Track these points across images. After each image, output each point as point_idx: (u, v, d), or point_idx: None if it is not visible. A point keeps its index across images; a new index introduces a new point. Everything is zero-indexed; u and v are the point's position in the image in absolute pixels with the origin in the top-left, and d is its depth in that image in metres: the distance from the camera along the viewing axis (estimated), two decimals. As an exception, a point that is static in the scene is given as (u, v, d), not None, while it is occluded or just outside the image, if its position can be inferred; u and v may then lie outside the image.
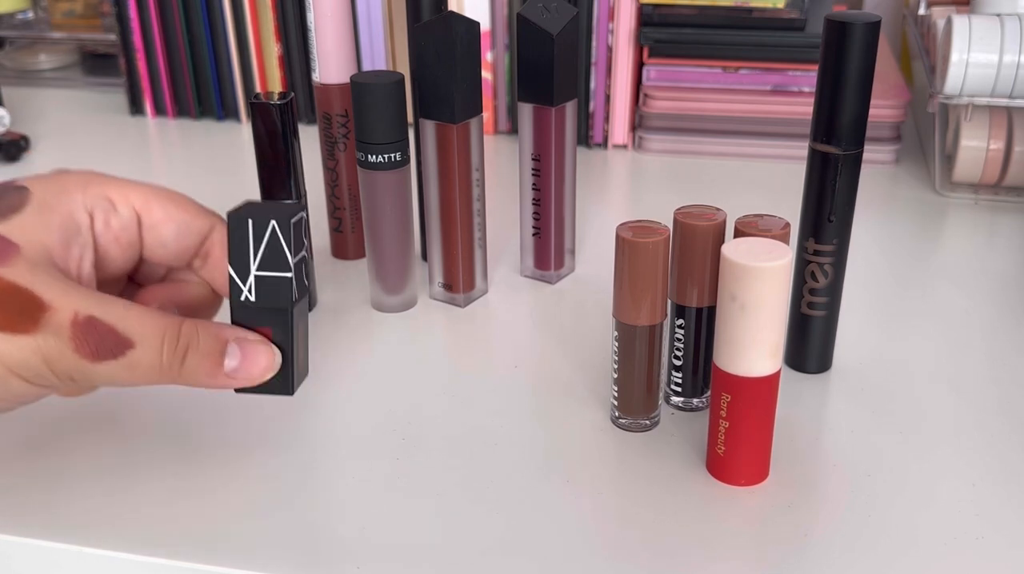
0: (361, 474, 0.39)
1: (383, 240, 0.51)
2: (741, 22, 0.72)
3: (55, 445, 0.42)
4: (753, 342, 0.36)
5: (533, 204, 0.54)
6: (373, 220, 0.50)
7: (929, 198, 0.67)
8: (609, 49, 0.75)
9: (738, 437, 0.38)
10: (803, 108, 0.72)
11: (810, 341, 0.45)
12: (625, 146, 0.77)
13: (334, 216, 0.58)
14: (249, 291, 0.35)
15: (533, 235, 0.55)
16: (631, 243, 0.38)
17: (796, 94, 0.72)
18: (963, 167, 0.64)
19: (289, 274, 0.35)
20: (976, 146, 0.64)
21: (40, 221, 0.32)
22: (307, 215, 0.51)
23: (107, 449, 0.41)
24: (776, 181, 0.70)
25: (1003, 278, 0.55)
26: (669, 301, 0.41)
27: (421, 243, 0.58)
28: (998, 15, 0.62)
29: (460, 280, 0.52)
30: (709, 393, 0.42)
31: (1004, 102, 0.62)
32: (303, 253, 0.35)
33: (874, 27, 0.39)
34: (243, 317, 0.35)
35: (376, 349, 0.49)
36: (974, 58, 0.61)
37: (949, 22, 0.62)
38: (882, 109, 0.70)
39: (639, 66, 0.76)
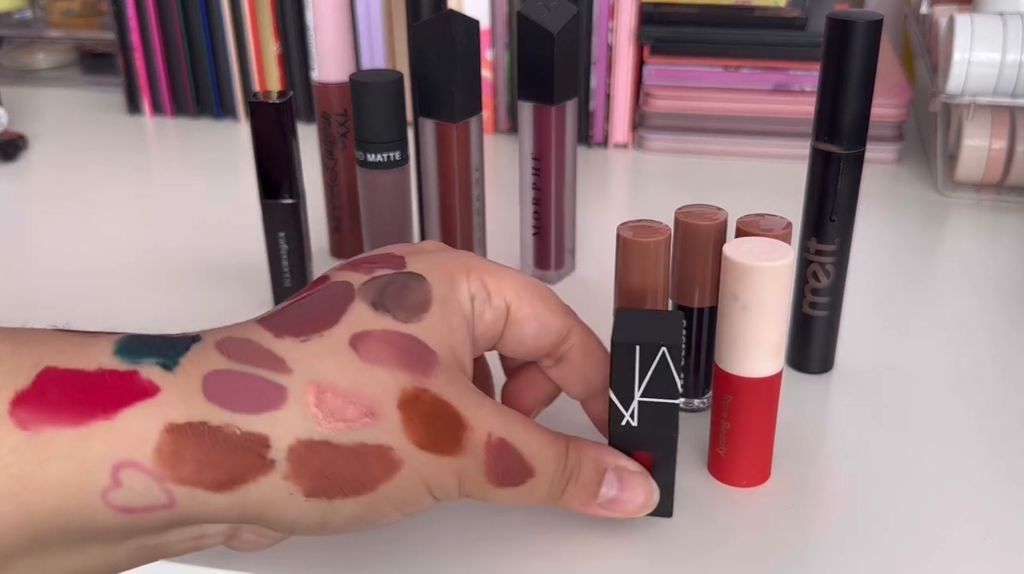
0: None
1: (382, 240, 0.50)
2: (742, 20, 0.72)
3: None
4: (755, 342, 0.35)
5: (533, 204, 0.54)
6: (372, 220, 0.50)
7: (931, 198, 0.66)
8: (609, 48, 0.74)
9: (739, 438, 0.37)
10: (805, 107, 0.72)
11: (812, 341, 0.45)
12: (626, 145, 0.77)
13: (333, 215, 0.57)
14: (631, 416, 0.34)
15: (533, 235, 0.55)
16: (632, 243, 0.38)
17: (798, 93, 0.72)
18: (965, 166, 0.64)
19: (677, 401, 0.34)
20: (978, 145, 0.63)
21: (445, 323, 0.30)
22: (306, 215, 0.51)
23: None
24: (778, 180, 0.70)
25: (1005, 278, 0.55)
26: (670, 301, 0.41)
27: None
28: (1000, 14, 0.62)
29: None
30: (710, 394, 0.41)
31: (1007, 101, 0.62)
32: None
33: (876, 26, 0.39)
34: (623, 442, 0.35)
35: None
36: (976, 57, 0.60)
37: (951, 21, 0.62)
38: (884, 108, 0.70)
39: (640, 65, 0.75)
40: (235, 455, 0.25)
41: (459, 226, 0.50)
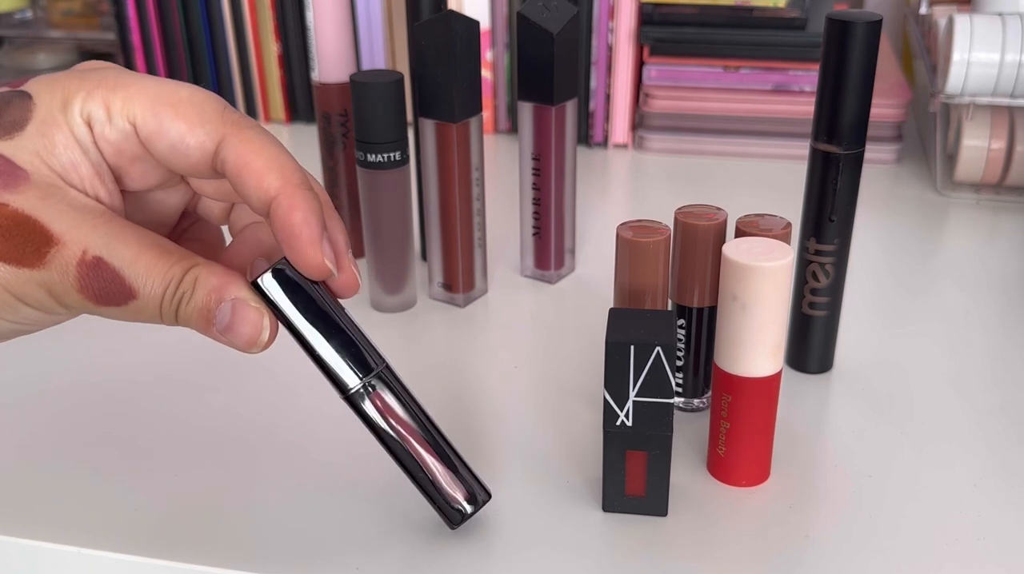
0: (361, 474, 0.39)
1: (383, 240, 0.50)
2: (742, 21, 0.72)
3: (54, 446, 0.41)
4: (754, 342, 0.35)
5: (533, 204, 0.54)
6: (372, 220, 0.50)
7: (930, 198, 0.66)
8: (609, 48, 0.74)
9: (739, 438, 0.37)
10: (804, 107, 0.72)
11: (811, 341, 0.45)
12: (625, 145, 0.77)
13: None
14: (626, 416, 0.35)
15: (533, 235, 0.55)
16: (632, 243, 0.38)
17: (797, 93, 0.72)
18: (964, 167, 0.64)
19: (672, 400, 0.34)
20: (977, 146, 0.64)
21: (44, 142, 0.29)
22: None
23: (106, 450, 0.41)
24: (777, 180, 0.70)
25: (1004, 278, 0.55)
26: (670, 301, 0.41)
27: (421, 243, 0.57)
28: (999, 14, 0.62)
29: (460, 280, 0.52)
30: (710, 394, 0.41)
31: (1006, 101, 0.62)
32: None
33: (875, 26, 0.39)
34: (618, 441, 0.35)
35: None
36: (976, 57, 0.60)
37: (950, 21, 0.62)
38: (883, 108, 0.70)
39: (639, 65, 0.75)
40: None
41: (459, 226, 0.50)
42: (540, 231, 0.54)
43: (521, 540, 0.36)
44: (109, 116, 0.30)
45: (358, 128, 0.48)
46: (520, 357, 0.48)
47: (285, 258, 0.30)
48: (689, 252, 0.39)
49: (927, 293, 0.54)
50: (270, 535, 0.36)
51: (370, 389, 0.33)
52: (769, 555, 0.35)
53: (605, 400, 0.35)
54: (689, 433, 0.41)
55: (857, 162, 0.41)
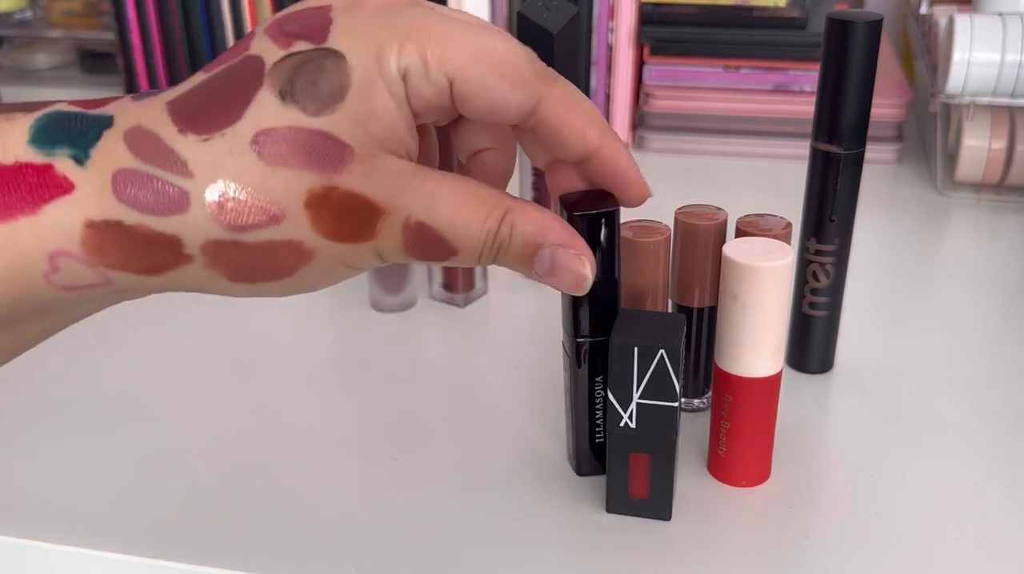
0: (361, 474, 0.39)
1: None
2: (742, 21, 0.72)
3: (53, 446, 0.41)
4: (754, 342, 0.35)
5: (533, 203, 0.54)
6: None
7: (931, 198, 0.66)
8: (610, 48, 0.74)
9: (739, 438, 0.37)
10: (804, 107, 0.72)
11: (812, 341, 0.45)
12: (626, 145, 0.77)
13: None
14: (630, 418, 0.35)
15: (533, 235, 0.55)
16: (632, 243, 0.38)
17: (797, 93, 0.72)
18: (965, 167, 0.64)
19: (675, 403, 0.34)
20: (978, 146, 0.64)
21: (366, 109, 0.28)
22: None
23: (106, 450, 0.41)
24: (777, 180, 0.70)
25: (1005, 278, 0.55)
26: (670, 301, 0.41)
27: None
28: (1000, 14, 0.62)
29: (460, 280, 0.52)
30: (710, 394, 0.41)
31: (1006, 101, 0.62)
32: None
33: (876, 26, 0.39)
34: (622, 443, 0.35)
35: (376, 349, 0.49)
36: (976, 57, 0.60)
37: (951, 21, 0.62)
38: (884, 108, 0.70)
39: (640, 65, 0.75)
40: (154, 250, 0.27)
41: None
42: (540, 231, 0.54)
43: (523, 540, 0.36)
44: (426, 71, 0.29)
45: None
46: (520, 357, 0.48)
47: (613, 199, 0.33)
48: (689, 252, 0.39)
49: (927, 293, 0.54)
50: (270, 535, 0.36)
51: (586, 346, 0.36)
52: (769, 555, 0.35)
53: (609, 401, 0.35)
54: (689, 433, 0.41)
55: (857, 162, 0.41)
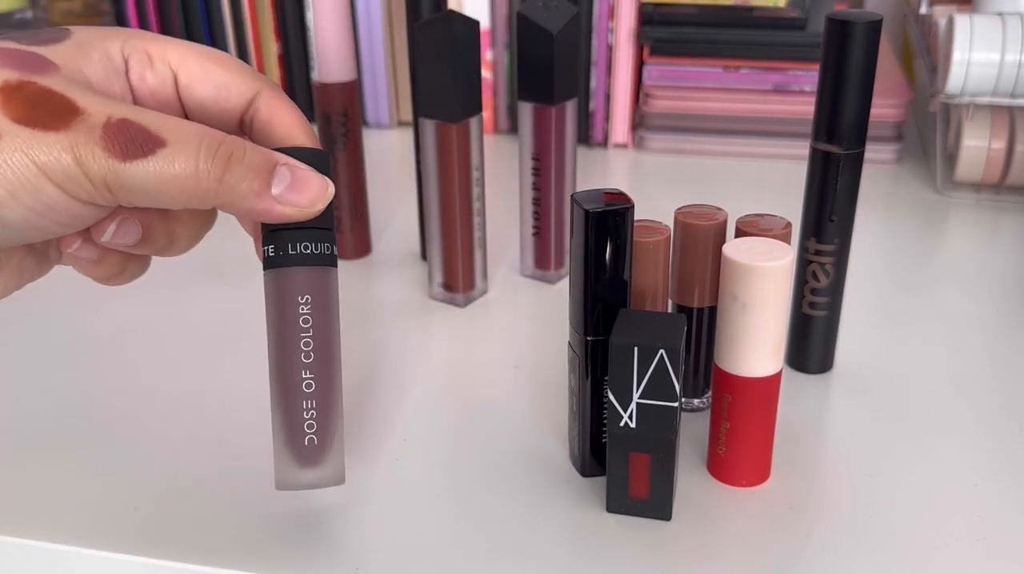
0: (361, 474, 0.39)
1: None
2: (742, 21, 0.72)
3: (54, 446, 0.41)
4: (754, 342, 0.35)
5: (533, 204, 0.54)
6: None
7: (931, 198, 0.66)
8: (609, 48, 0.74)
9: (739, 438, 0.37)
10: (804, 107, 0.72)
11: (811, 341, 0.45)
12: (626, 145, 0.77)
13: (333, 216, 0.57)
14: (630, 418, 0.34)
15: (533, 235, 0.55)
16: (632, 243, 0.38)
17: (797, 93, 0.72)
18: (965, 167, 0.64)
19: (675, 404, 0.34)
20: (978, 146, 0.64)
21: (80, 53, 0.31)
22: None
23: (106, 450, 0.41)
24: (777, 180, 0.70)
25: (1005, 278, 0.55)
26: (670, 301, 0.41)
27: (421, 243, 0.57)
28: (1000, 14, 0.62)
29: (460, 280, 0.52)
30: (710, 394, 0.41)
31: (1006, 101, 0.62)
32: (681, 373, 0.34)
33: (875, 26, 0.39)
34: (622, 443, 0.35)
35: (376, 349, 0.49)
36: (976, 57, 0.60)
37: (951, 21, 0.62)
38: (883, 108, 0.70)
39: (640, 65, 0.75)
40: None
41: (459, 226, 0.50)
42: (540, 231, 0.54)
43: (523, 541, 0.36)
44: (150, 60, 0.32)
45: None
46: (520, 357, 0.48)
47: (626, 198, 0.35)
48: (689, 252, 0.39)
49: (927, 293, 0.54)
50: (270, 535, 0.36)
51: None
52: (770, 555, 0.35)
53: (609, 401, 0.35)
54: (689, 433, 0.41)
55: (857, 162, 0.41)
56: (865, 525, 0.36)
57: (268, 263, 0.32)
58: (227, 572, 0.35)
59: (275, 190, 0.30)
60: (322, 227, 0.32)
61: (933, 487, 0.38)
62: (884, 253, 0.59)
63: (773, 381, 0.37)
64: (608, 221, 0.34)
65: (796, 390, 0.44)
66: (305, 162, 0.31)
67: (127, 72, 0.32)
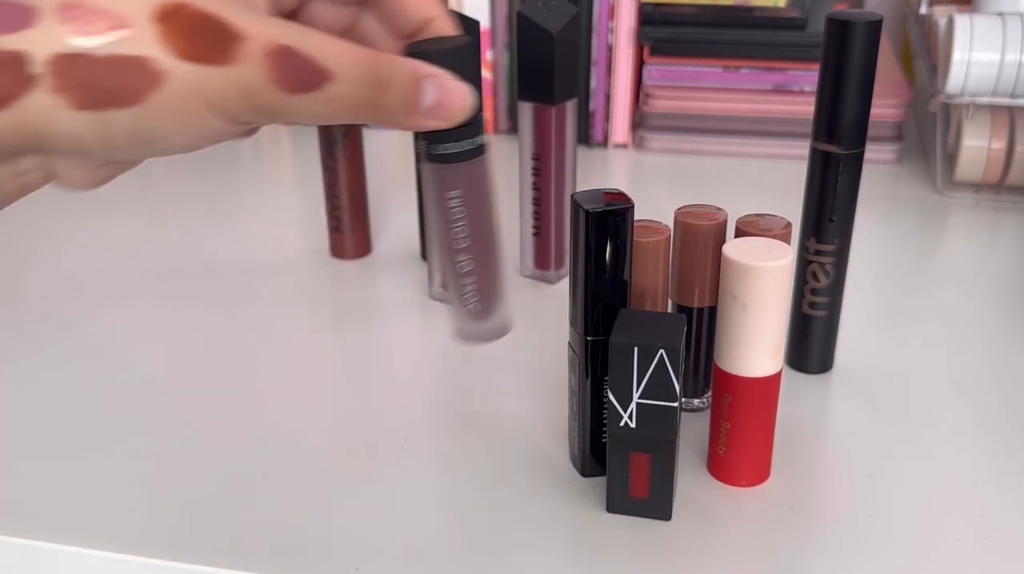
0: (361, 474, 0.39)
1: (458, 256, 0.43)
2: (742, 21, 0.72)
3: (54, 446, 0.41)
4: (754, 342, 0.35)
5: (533, 204, 0.54)
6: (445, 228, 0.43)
7: (931, 198, 0.66)
8: (609, 48, 0.74)
9: (739, 438, 0.37)
10: (804, 107, 0.72)
11: (811, 341, 0.45)
12: (626, 145, 0.77)
13: (333, 216, 0.57)
14: (630, 418, 0.35)
15: (533, 235, 0.55)
16: (632, 243, 0.38)
17: (797, 93, 0.72)
18: (965, 167, 0.64)
19: (675, 403, 0.34)
20: (978, 146, 0.64)
21: None
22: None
23: (106, 451, 0.41)
24: (777, 180, 0.70)
25: (1005, 278, 0.55)
26: (670, 301, 0.41)
27: (421, 243, 0.57)
28: (1000, 14, 0.62)
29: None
30: (710, 394, 0.41)
31: (1006, 101, 0.62)
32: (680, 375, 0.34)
33: (875, 26, 0.39)
34: (622, 443, 0.35)
35: (376, 349, 0.49)
36: (976, 57, 0.60)
37: (951, 21, 0.62)
38: (883, 108, 0.70)
39: (640, 65, 0.75)
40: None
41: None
42: (540, 231, 0.54)
43: (523, 541, 0.36)
44: None
45: None
46: (520, 357, 0.48)
47: (626, 198, 0.35)
48: (689, 252, 0.39)
49: (927, 293, 0.54)
50: (270, 535, 0.36)
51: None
52: (769, 555, 0.35)
53: (609, 401, 0.35)
54: (689, 433, 0.41)
55: (857, 162, 0.41)
56: (865, 525, 0.36)
57: (420, 158, 0.33)
58: (227, 572, 0.35)
59: (422, 107, 0.30)
60: (466, 124, 0.32)
61: (933, 487, 0.38)
62: (884, 253, 0.59)
63: (773, 381, 0.37)
64: (608, 221, 0.34)
65: (796, 390, 0.44)
66: (447, 55, 0.31)
67: None
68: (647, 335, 0.33)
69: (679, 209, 0.40)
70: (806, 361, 0.46)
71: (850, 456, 0.40)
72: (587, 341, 0.36)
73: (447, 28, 0.33)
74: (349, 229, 0.58)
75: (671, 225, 0.39)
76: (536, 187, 0.53)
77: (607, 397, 0.36)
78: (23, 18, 0.26)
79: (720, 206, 0.40)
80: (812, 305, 0.44)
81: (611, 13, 0.73)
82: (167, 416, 0.43)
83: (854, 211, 0.42)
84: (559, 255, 0.55)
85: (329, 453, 0.41)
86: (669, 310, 0.41)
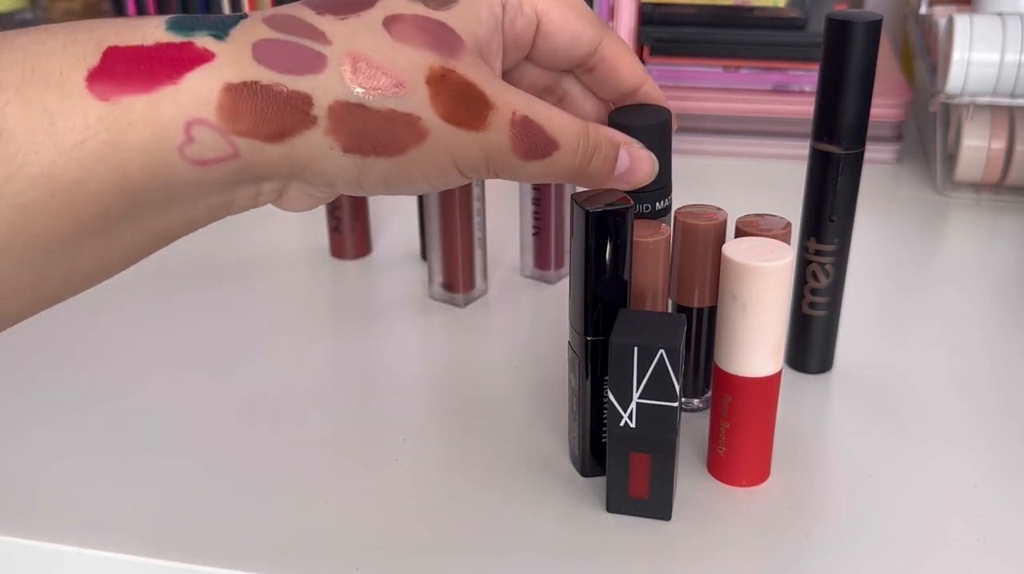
0: (361, 474, 0.39)
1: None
2: (742, 21, 0.72)
3: (54, 446, 0.41)
4: (754, 342, 0.35)
5: (533, 204, 0.54)
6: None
7: (930, 198, 0.66)
8: (609, 48, 0.74)
9: (739, 438, 0.37)
10: (804, 107, 0.72)
11: (811, 341, 0.45)
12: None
13: (333, 216, 0.57)
14: (630, 418, 0.35)
15: (533, 235, 0.55)
16: (632, 243, 0.38)
17: (797, 93, 0.72)
18: (964, 167, 0.64)
19: (675, 403, 0.34)
20: (978, 146, 0.64)
21: (472, 14, 0.32)
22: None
23: (107, 450, 0.41)
24: (777, 180, 0.70)
25: (1004, 278, 0.55)
26: (670, 301, 0.41)
27: (421, 243, 0.57)
28: (999, 14, 0.62)
29: (460, 280, 0.52)
30: (710, 394, 0.41)
31: (1006, 101, 0.62)
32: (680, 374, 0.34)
33: (875, 26, 0.39)
34: (622, 443, 0.35)
35: (376, 350, 0.49)
36: (976, 57, 0.60)
37: (950, 21, 0.62)
38: (883, 108, 0.70)
39: (639, 65, 0.75)
40: (284, 111, 0.28)
41: (459, 226, 0.50)
42: (540, 231, 0.54)
43: (523, 541, 0.36)
44: (521, 6, 0.34)
45: None
46: (520, 357, 0.48)
47: (625, 198, 0.35)
48: (689, 252, 0.39)
49: (927, 293, 0.54)
50: (270, 535, 0.36)
51: None
52: (769, 555, 0.35)
53: (609, 401, 0.35)
54: (689, 433, 0.41)
55: (857, 162, 0.41)
56: (865, 525, 0.36)
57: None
58: (227, 572, 0.35)
59: (617, 171, 0.34)
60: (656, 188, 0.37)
61: (933, 487, 0.38)
62: (884, 253, 0.59)
63: (773, 381, 0.37)
64: (608, 221, 0.34)
65: (796, 390, 0.44)
66: (646, 131, 0.36)
67: (503, 20, 0.34)
68: (647, 335, 0.33)
69: (679, 209, 0.40)
70: (806, 361, 0.46)
71: (850, 456, 0.40)
72: (587, 341, 0.36)
73: (654, 95, 0.38)
74: (349, 229, 0.58)
75: (671, 225, 0.39)
76: (536, 187, 0.53)
77: (607, 397, 0.36)
78: (315, 63, 0.29)
79: (720, 206, 0.40)
80: (812, 305, 0.44)
81: (611, 13, 0.73)
82: (167, 416, 0.43)
83: (854, 211, 0.42)
84: (559, 255, 0.55)
85: (329, 453, 0.41)
86: (669, 310, 0.41)
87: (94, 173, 0.26)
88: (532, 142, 0.31)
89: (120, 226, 0.28)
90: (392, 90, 0.29)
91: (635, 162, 0.35)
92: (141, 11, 0.82)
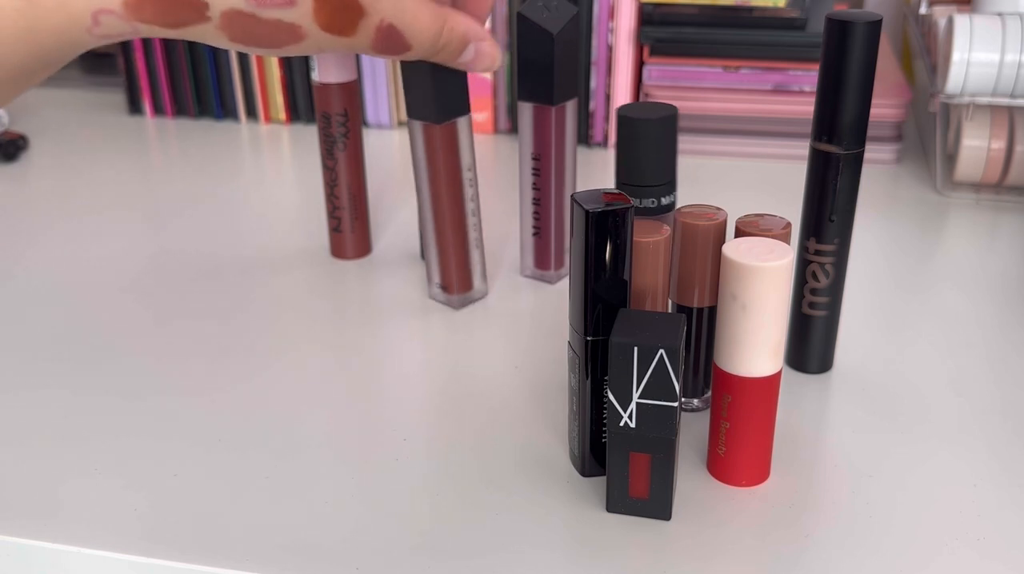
0: (361, 474, 0.39)
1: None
2: (742, 21, 0.72)
3: (54, 446, 0.41)
4: (754, 342, 0.35)
5: (533, 204, 0.54)
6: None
7: (930, 198, 0.66)
8: (609, 48, 0.74)
9: (739, 438, 0.37)
10: (804, 107, 0.72)
11: (811, 341, 0.45)
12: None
13: (333, 216, 0.57)
14: (629, 418, 0.35)
15: (533, 235, 0.55)
16: (632, 243, 0.38)
17: (797, 93, 0.72)
18: (964, 167, 0.64)
19: (675, 403, 0.34)
20: (977, 146, 0.64)
21: None
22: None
23: (106, 450, 0.41)
24: (777, 181, 0.70)
25: (1004, 278, 0.55)
26: (670, 301, 0.41)
27: (421, 243, 0.57)
28: (999, 14, 0.62)
29: (457, 281, 0.52)
30: (710, 394, 0.41)
31: (1006, 101, 0.62)
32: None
33: (875, 26, 0.39)
34: (622, 442, 0.35)
35: (376, 350, 0.49)
36: (975, 57, 0.60)
37: (950, 21, 0.62)
38: (883, 108, 0.70)
39: (639, 65, 0.75)
40: (183, 9, 0.35)
41: (452, 227, 0.50)
42: (540, 231, 0.54)
43: (523, 540, 0.36)
44: None
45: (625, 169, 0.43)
46: (520, 357, 0.48)
47: (625, 199, 0.36)
48: (689, 252, 0.39)
49: (926, 293, 0.54)
50: (270, 535, 0.36)
51: None
52: (769, 555, 0.35)
53: (609, 401, 0.35)
54: (689, 433, 0.41)
55: (857, 162, 0.41)
56: (865, 525, 0.36)
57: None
58: (227, 572, 0.35)
59: (459, 61, 0.43)
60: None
61: (932, 487, 0.38)
62: (884, 253, 0.59)
63: (773, 381, 0.37)
64: (608, 221, 0.34)
65: (796, 390, 0.44)
66: (650, 121, 0.41)
67: None
68: (647, 335, 0.33)
69: (679, 209, 0.40)
70: (806, 361, 0.46)
71: (850, 456, 0.40)
72: (587, 341, 0.36)
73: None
74: (349, 229, 0.58)
75: (671, 225, 0.39)
76: (536, 187, 0.53)
77: (607, 397, 0.36)
78: None
79: (720, 206, 0.40)
80: (812, 305, 0.44)
81: (611, 13, 0.73)
82: (167, 416, 0.43)
83: (854, 211, 0.42)
84: (559, 255, 0.55)
85: (329, 453, 0.41)
86: (669, 310, 0.41)
87: (15, 51, 0.34)
88: (388, 44, 0.39)
89: (34, 70, 0.35)
90: (283, 5, 0.36)
91: (479, 55, 0.43)
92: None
